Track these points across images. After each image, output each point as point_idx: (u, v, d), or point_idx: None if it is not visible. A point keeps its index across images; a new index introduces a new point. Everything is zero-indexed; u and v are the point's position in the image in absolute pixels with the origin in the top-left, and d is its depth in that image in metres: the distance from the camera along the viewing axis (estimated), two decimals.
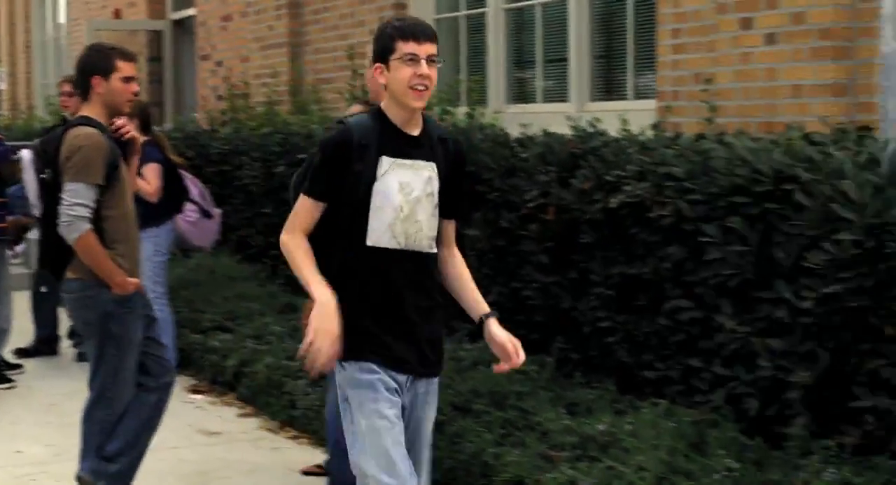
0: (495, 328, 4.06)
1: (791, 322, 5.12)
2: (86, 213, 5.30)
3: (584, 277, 6.30)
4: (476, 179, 6.94)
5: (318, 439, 6.73)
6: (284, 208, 9.58)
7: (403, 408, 4.00)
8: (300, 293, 9.11)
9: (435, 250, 4.08)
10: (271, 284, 9.79)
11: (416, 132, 4.03)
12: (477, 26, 9.72)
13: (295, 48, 11.66)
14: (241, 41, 12.73)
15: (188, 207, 8.56)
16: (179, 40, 15.43)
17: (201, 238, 8.74)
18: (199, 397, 8.02)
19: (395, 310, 3.98)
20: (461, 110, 8.67)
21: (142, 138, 6.70)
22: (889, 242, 4.74)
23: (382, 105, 4.03)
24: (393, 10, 10.12)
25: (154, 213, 8.03)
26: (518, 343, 4.03)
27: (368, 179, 3.93)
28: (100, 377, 5.48)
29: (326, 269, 3.96)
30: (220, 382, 8.19)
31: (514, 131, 7.35)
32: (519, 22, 9.30)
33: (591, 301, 6.25)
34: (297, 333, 7.89)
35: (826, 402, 5.06)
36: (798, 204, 5.07)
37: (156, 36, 15.69)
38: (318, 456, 6.44)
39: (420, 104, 3.96)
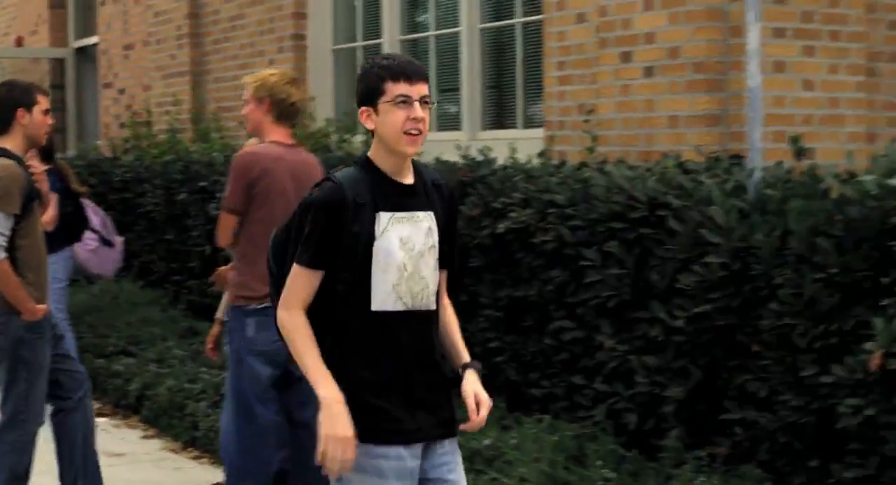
0: (467, 380, 3.72)
1: (665, 340, 5.44)
2: (2, 242, 5.51)
3: (474, 299, 6.58)
4: None
5: (219, 459, 6.93)
6: (186, 235, 9.88)
7: (426, 481, 3.66)
8: (202, 318, 9.35)
9: (436, 307, 3.73)
10: (173, 309, 9.98)
11: (409, 180, 3.67)
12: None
13: (196, 77, 11.86)
14: (143, 70, 12.89)
15: (88, 235, 8.71)
16: (82, 68, 15.53)
17: (101, 266, 8.90)
18: (103, 420, 8.17)
19: (403, 376, 3.61)
20: (358, 138, 8.93)
21: (44, 167, 6.87)
22: (754, 265, 5.07)
23: (370, 154, 3.66)
24: (292, 40, 10.38)
25: (51, 241, 8.18)
26: (484, 400, 3.71)
27: (367, 238, 3.57)
28: (12, 401, 5.70)
29: (322, 341, 3.61)
30: (124, 405, 8.38)
31: None
32: (414, 52, 9.59)
33: (480, 323, 6.53)
34: (199, 356, 8.10)
35: (698, 415, 5.38)
36: (671, 229, 5.40)
37: (58, 64, 15.78)
38: (220, 475, 6.64)
39: (414, 150, 3.62)
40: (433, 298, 3.68)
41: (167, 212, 10.33)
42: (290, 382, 5.63)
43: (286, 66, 10.12)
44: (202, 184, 9.45)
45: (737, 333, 5.19)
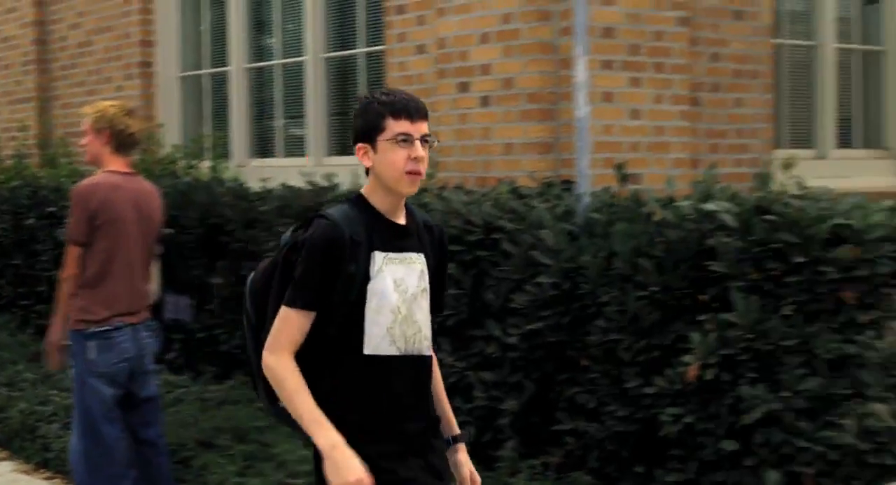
0: (462, 456, 3.67)
1: (501, 356, 5.74)
2: None
3: None
4: (219, 231, 7.41)
5: (71, 479, 7.03)
6: (34, 260, 9.92)
7: None
8: None
9: (431, 353, 3.59)
10: (22, 333, 10.01)
11: (403, 221, 3.51)
12: (220, 83, 10.20)
13: (43, 103, 11.89)
14: None
15: None
16: None
17: None
18: None
19: (398, 424, 3.47)
20: (205, 164, 9.11)
21: None
22: (582, 284, 5.41)
23: (365, 192, 3.49)
24: (139, 67, 10.51)
25: None
26: (478, 481, 3.68)
27: (362, 279, 3.40)
28: None
29: (313, 385, 3.40)
30: None
31: (257, 185, 7.84)
32: (260, 80, 9.81)
33: None
34: (49, 379, 8.19)
35: (532, 426, 5.70)
36: (505, 251, 5.71)
37: None
38: None
39: (414, 190, 3.46)
40: (426, 343, 3.53)
41: (15, 237, 10.35)
42: (134, 403, 5.83)
43: (133, 93, 10.27)
44: (50, 209, 9.53)
45: (567, 348, 5.52)
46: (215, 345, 7.73)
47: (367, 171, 3.47)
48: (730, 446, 4.97)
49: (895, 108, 9.00)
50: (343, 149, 8.94)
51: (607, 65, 7.00)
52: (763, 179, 5.32)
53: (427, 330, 3.52)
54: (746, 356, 4.95)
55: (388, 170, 3.40)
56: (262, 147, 9.85)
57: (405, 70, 7.75)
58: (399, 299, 3.44)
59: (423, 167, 3.42)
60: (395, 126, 3.40)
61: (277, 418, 3.59)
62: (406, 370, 3.47)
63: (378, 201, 3.45)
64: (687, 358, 5.01)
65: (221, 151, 9.36)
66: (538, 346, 5.59)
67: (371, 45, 8.62)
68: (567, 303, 5.46)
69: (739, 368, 4.98)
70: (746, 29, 7.86)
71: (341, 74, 8.99)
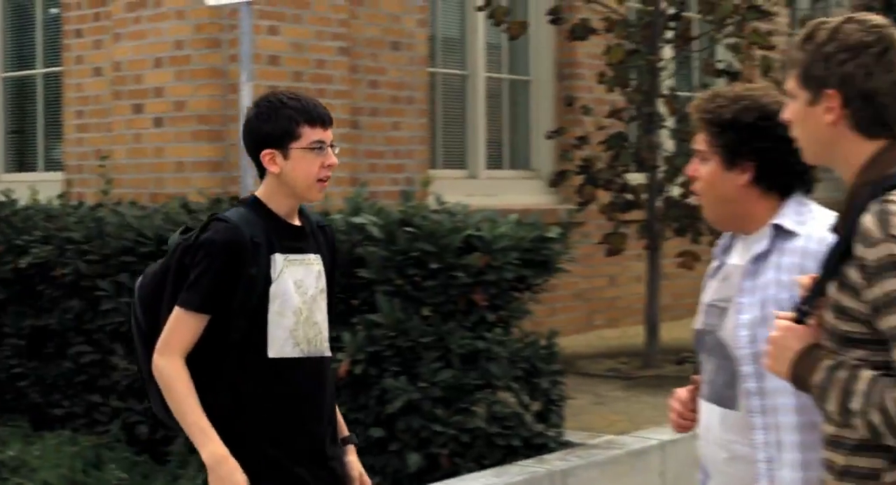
0: (352, 457, 3.58)
1: None
2: None
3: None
4: None
5: None
6: None
7: None
8: None
9: (330, 353, 3.53)
10: None
11: (299, 222, 3.45)
12: None
13: None
14: None
15: None
16: None
17: None
18: None
19: (301, 427, 3.39)
20: None
21: None
22: None
23: (261, 195, 3.40)
24: None
25: None
26: (368, 482, 3.60)
27: (264, 281, 3.33)
28: None
29: (211, 391, 3.30)
30: None
31: None
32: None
33: (4, 351, 7.07)
34: None
35: None
36: None
37: None
38: None
39: (322, 197, 3.41)
40: (326, 345, 3.48)
41: None
42: None
43: None
44: None
45: None
46: None
47: (262, 174, 3.38)
48: (377, 432, 5.60)
49: (539, 133, 9.89)
50: (21, 165, 9.20)
51: (273, 90, 7.55)
52: (407, 195, 5.99)
53: (326, 331, 3.48)
54: (390, 352, 5.60)
55: (301, 177, 3.32)
56: None
57: (82, 91, 8.12)
58: (300, 301, 3.38)
59: (334, 165, 3.37)
60: (311, 134, 3.31)
61: (171, 425, 3.49)
62: (310, 372, 3.40)
63: (277, 205, 3.37)
64: (340, 356, 5.61)
65: None
66: None
67: (49, 66, 8.93)
68: None
69: (384, 363, 5.62)
70: (403, 58, 8.58)
71: (20, 94, 9.26)
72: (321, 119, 3.33)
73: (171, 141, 7.48)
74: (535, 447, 5.91)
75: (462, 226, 5.78)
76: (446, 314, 5.72)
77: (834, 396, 2.42)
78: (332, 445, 3.48)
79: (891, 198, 2.40)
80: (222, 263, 3.26)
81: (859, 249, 2.40)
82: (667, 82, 8.88)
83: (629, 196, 8.57)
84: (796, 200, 2.96)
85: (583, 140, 8.63)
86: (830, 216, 2.86)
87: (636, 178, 8.90)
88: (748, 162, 2.93)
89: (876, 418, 2.36)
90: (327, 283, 3.49)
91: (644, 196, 8.54)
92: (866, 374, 2.39)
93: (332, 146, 3.36)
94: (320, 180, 3.34)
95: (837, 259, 2.46)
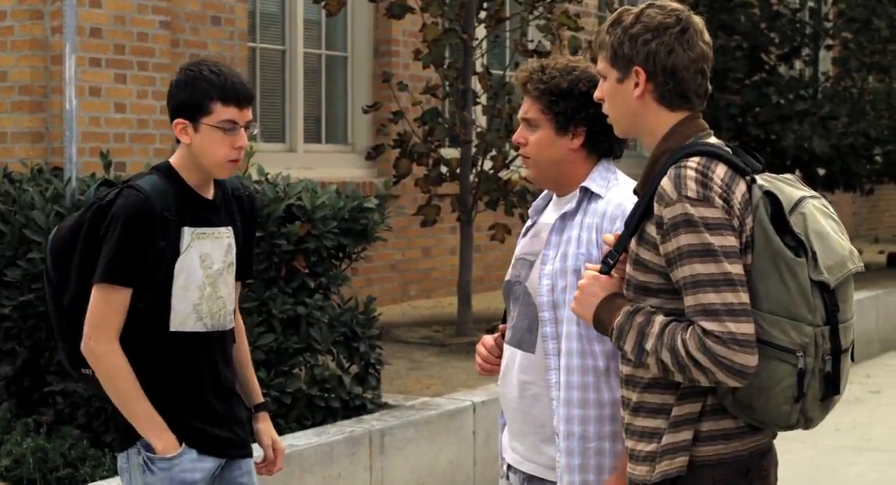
0: (264, 424, 3.66)
1: None
2: None
3: None
4: None
5: None
6: None
7: None
8: None
9: (234, 325, 3.55)
10: None
11: (210, 194, 3.41)
12: None
13: None
14: None
15: None
16: None
17: None
18: None
19: (203, 394, 3.40)
20: None
21: None
22: None
23: (174, 164, 3.37)
24: None
25: None
26: (280, 448, 3.67)
27: (171, 255, 3.32)
28: None
29: (129, 360, 3.31)
30: None
31: None
32: None
33: None
34: None
35: (25, 389, 6.27)
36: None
37: None
38: None
39: (230, 174, 3.39)
40: (230, 318, 3.49)
41: None
42: None
43: None
44: None
45: None
46: None
47: (178, 140, 3.36)
48: None
49: (356, 108, 10.12)
50: None
51: (95, 62, 7.65)
52: None
53: (231, 304, 3.48)
54: None
55: (208, 155, 3.29)
56: None
57: None
58: (203, 276, 3.36)
59: (243, 154, 3.35)
60: (223, 112, 3.26)
61: (82, 382, 3.59)
62: (211, 346, 3.40)
63: (188, 175, 3.35)
64: None
65: None
66: (30, 316, 6.15)
67: None
68: None
69: None
70: (223, 33, 8.73)
71: None
72: (236, 98, 3.27)
73: None
74: (354, 409, 6.18)
75: (283, 196, 6.00)
76: (269, 281, 5.94)
77: (631, 337, 2.76)
78: (234, 412, 3.50)
79: (687, 163, 2.73)
80: (134, 235, 3.24)
81: (657, 208, 2.73)
82: (480, 60, 9.20)
83: (443, 170, 8.88)
84: (605, 165, 3.29)
85: (398, 115, 8.89)
86: (632, 183, 3.19)
87: (450, 152, 9.22)
88: (580, 127, 3.24)
89: (666, 356, 2.69)
90: (244, 250, 3.51)
91: (458, 170, 8.86)
92: (660, 318, 2.73)
93: (246, 127, 3.31)
94: (231, 161, 3.31)
95: (639, 218, 2.80)
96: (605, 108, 2.95)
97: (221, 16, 8.71)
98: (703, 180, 2.69)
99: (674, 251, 2.69)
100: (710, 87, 2.90)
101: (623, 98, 2.88)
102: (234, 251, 3.46)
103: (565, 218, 3.25)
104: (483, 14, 8.98)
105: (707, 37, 2.87)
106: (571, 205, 3.26)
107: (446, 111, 9.06)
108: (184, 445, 3.39)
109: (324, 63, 10.30)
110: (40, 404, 6.22)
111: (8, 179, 6.64)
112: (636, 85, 2.84)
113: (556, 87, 3.24)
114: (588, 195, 3.25)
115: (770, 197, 2.71)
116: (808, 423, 2.76)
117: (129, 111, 7.83)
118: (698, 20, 2.87)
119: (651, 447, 2.81)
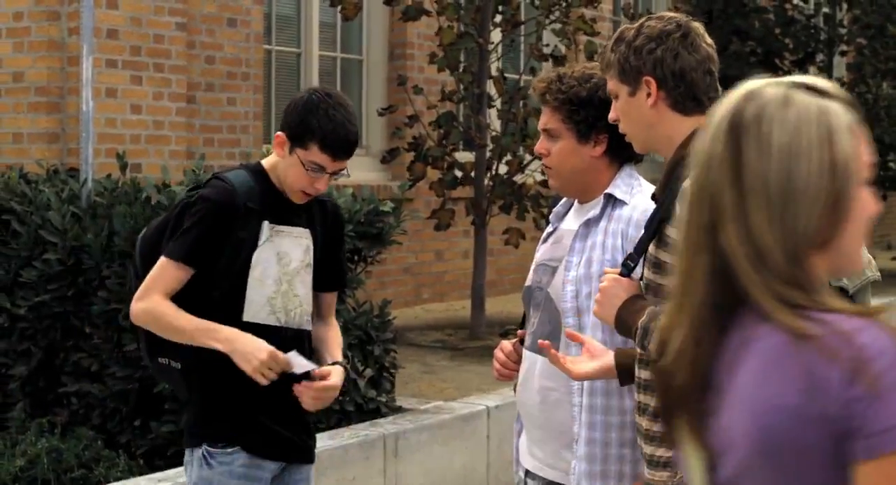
0: (335, 371, 3.51)
1: (10, 327, 6.27)
2: None
3: None
4: None
5: None
6: None
7: None
8: None
9: (311, 328, 3.59)
10: None
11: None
12: None
13: None
14: None
15: None
16: None
17: None
18: None
19: (270, 391, 3.40)
20: None
21: None
22: (86, 260, 6.04)
23: (266, 165, 3.52)
24: None
25: None
26: (334, 383, 3.49)
27: (250, 247, 3.41)
28: None
29: (201, 350, 3.40)
30: None
31: None
32: None
33: None
34: None
35: (40, 390, 6.28)
36: (15, 231, 6.26)
37: None
38: None
39: (299, 202, 3.48)
40: (307, 319, 3.54)
41: None
42: None
43: None
44: None
45: (72, 318, 6.13)
46: None
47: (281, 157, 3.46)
48: None
49: (371, 111, 10.12)
50: None
51: (111, 63, 7.66)
52: None
53: (308, 305, 3.53)
54: None
55: (288, 178, 3.42)
56: None
57: None
58: (280, 272, 3.44)
59: (322, 191, 3.45)
60: (317, 155, 3.36)
61: (156, 373, 3.64)
62: (283, 343, 3.41)
63: (275, 178, 3.48)
64: None
65: None
66: (45, 316, 6.16)
67: None
68: (72, 277, 6.08)
69: None
70: (239, 35, 8.73)
71: None
72: (333, 149, 3.36)
73: (8, 112, 7.52)
74: (368, 412, 6.18)
75: None
76: None
77: (656, 335, 2.76)
78: (301, 417, 3.56)
79: None
80: (212, 220, 3.35)
81: (678, 209, 2.73)
82: (495, 64, 9.19)
83: (458, 174, 8.87)
84: (627, 172, 3.29)
85: (413, 118, 8.89)
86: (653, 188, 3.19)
87: (465, 156, 9.22)
88: (602, 135, 3.25)
89: None
90: (331, 257, 3.60)
91: (472, 174, 8.86)
92: None
93: (334, 174, 3.40)
94: (305, 193, 3.42)
95: (658, 221, 2.80)
96: (622, 127, 2.97)
97: (237, 18, 8.71)
98: None
99: None
100: (720, 88, 2.91)
101: (637, 111, 2.90)
102: (311, 253, 3.53)
103: (589, 224, 3.25)
104: (499, 18, 8.97)
105: (709, 39, 2.91)
106: (595, 211, 3.26)
107: (461, 115, 9.06)
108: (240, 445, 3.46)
109: (339, 66, 10.30)
110: (55, 405, 6.23)
111: (24, 179, 6.66)
112: (648, 95, 2.86)
113: (576, 96, 3.24)
114: (612, 201, 3.25)
115: None
116: None
117: (145, 112, 7.84)
118: (698, 25, 2.91)
119: (671, 452, 2.80)
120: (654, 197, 2.92)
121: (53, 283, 6.09)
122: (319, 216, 3.58)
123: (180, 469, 5.14)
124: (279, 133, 3.44)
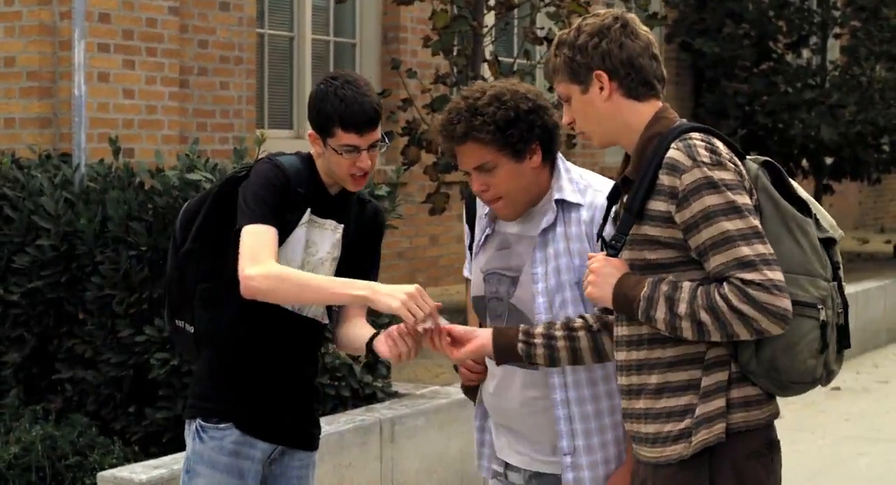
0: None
1: (3, 313, 6.24)
2: None
3: None
4: None
5: None
6: None
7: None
8: None
9: (327, 321, 3.59)
10: None
11: (334, 191, 3.52)
12: None
13: None
14: None
15: None
16: None
17: None
18: None
19: (276, 373, 3.50)
20: None
21: None
22: (79, 246, 6.00)
23: (314, 155, 3.50)
24: None
25: None
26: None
27: (288, 230, 3.42)
28: None
29: (215, 322, 3.48)
30: None
31: None
32: None
33: None
34: None
35: (34, 376, 6.24)
36: (7, 217, 6.21)
37: None
38: None
39: (359, 188, 3.49)
40: (323, 311, 3.54)
41: None
42: None
43: None
44: None
45: (65, 304, 6.10)
46: None
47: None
48: None
49: None
50: None
51: (104, 47, 7.62)
52: (239, 153, 6.14)
53: None
54: None
55: (335, 170, 3.42)
56: None
57: None
58: (304, 259, 3.45)
59: (371, 169, 3.43)
60: (344, 137, 3.36)
61: (173, 334, 3.65)
62: (296, 329, 3.48)
63: (324, 172, 3.48)
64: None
65: None
66: (39, 302, 6.12)
67: None
68: (66, 263, 6.04)
69: None
70: (232, 19, 8.69)
71: None
72: (356, 125, 3.35)
73: (0, 97, 7.47)
74: (364, 398, 6.16)
75: None
76: None
77: (661, 305, 2.80)
78: (306, 405, 3.59)
79: (691, 136, 2.84)
80: (272, 189, 3.36)
81: (667, 180, 2.80)
82: (489, 48, 9.15)
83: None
84: (561, 167, 3.27)
85: (407, 102, 8.85)
86: (598, 177, 3.28)
87: None
88: (534, 145, 3.21)
89: (705, 317, 2.74)
90: (364, 256, 3.59)
91: None
92: (686, 284, 2.79)
93: (372, 147, 3.39)
94: (353, 176, 3.42)
95: (641, 200, 2.82)
96: (579, 127, 3.01)
97: (230, 1, 8.67)
98: (712, 148, 2.82)
99: (698, 213, 2.76)
100: (664, 71, 3.00)
101: (593, 108, 2.96)
102: (339, 248, 3.52)
103: (546, 232, 3.24)
104: (492, 1, 8.93)
105: (644, 27, 2.99)
106: (549, 218, 3.24)
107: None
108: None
109: (332, 50, 10.26)
110: (49, 392, 6.21)
111: (16, 165, 6.61)
112: (601, 89, 2.93)
113: (504, 120, 3.17)
114: (564, 205, 3.24)
115: (768, 166, 2.89)
116: (829, 376, 2.88)
117: (138, 97, 7.79)
118: (633, 16, 2.99)
119: (683, 424, 2.84)
120: (626, 179, 2.94)
121: (47, 269, 6.05)
122: (356, 214, 3.59)
123: (176, 456, 5.12)
124: (310, 132, 3.47)
